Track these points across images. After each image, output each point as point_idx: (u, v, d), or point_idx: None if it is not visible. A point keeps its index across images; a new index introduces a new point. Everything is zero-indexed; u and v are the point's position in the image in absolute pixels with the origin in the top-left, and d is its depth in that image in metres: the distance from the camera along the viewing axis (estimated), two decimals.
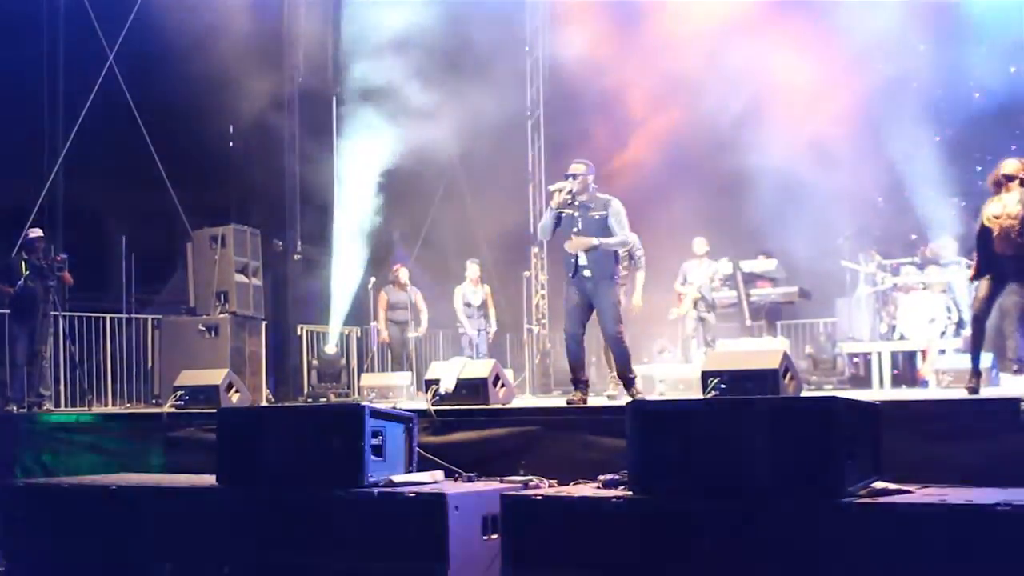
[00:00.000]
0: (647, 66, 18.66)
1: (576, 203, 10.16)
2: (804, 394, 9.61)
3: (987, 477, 6.59)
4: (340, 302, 18.82)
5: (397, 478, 7.58)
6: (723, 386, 8.75)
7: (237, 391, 11.79)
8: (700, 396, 9.03)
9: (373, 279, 17.08)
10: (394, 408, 8.82)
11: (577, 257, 10.08)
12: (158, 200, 17.89)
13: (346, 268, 19.26)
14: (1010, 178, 9.36)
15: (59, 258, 13.69)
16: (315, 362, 18.05)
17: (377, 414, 7.76)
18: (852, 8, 18.89)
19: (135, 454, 10.67)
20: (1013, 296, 10.67)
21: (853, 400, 6.16)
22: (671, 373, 13.56)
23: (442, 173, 21.04)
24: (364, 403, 9.66)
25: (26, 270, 13.49)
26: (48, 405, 13.73)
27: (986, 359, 10.49)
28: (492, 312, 16.56)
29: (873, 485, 6.10)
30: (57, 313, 14.14)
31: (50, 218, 16.23)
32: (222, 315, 15.28)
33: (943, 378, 12.02)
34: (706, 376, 8.99)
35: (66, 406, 14.91)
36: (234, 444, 8.08)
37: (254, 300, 15.92)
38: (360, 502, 7.25)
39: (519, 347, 20.49)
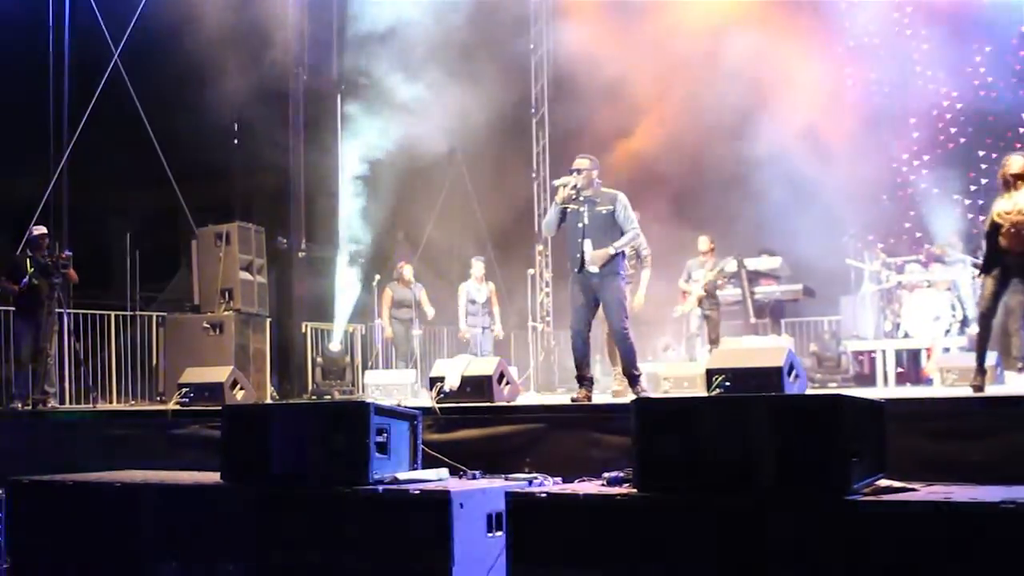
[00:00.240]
0: (651, 63, 18.65)
1: (581, 198, 10.15)
2: (808, 392, 9.62)
3: (992, 475, 6.58)
4: (344, 299, 18.83)
5: (402, 476, 7.58)
6: (727, 384, 8.77)
7: (242, 388, 11.81)
8: (704, 393, 9.04)
9: (378, 276, 17.08)
10: (399, 405, 8.83)
11: (583, 253, 10.05)
12: (163, 197, 17.91)
13: (350, 265, 19.28)
14: (1019, 177, 9.36)
15: (64, 255, 13.69)
16: (319, 359, 18.05)
17: (382, 411, 7.76)
18: (856, 5, 18.91)
19: (140, 451, 10.68)
20: (1019, 295, 10.68)
21: (857, 398, 6.15)
22: (675, 370, 13.55)
23: (447, 170, 21.04)
24: (369, 400, 9.70)
25: (31, 267, 13.49)
26: (53, 402, 13.73)
27: (990, 357, 10.48)
28: (497, 310, 16.52)
29: (878, 483, 6.10)
30: (62, 310, 14.14)
31: (55, 215, 16.23)
32: (227, 312, 15.30)
33: (947, 376, 12.00)
34: (710, 374, 9.00)
35: (71, 403, 14.93)
36: (238, 441, 8.08)
37: (259, 297, 15.94)
38: (365, 500, 7.24)
39: (523, 345, 20.49)
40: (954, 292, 15.35)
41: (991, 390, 9.46)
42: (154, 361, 16.41)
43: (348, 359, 18.41)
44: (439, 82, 18.84)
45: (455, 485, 7.37)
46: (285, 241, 19.03)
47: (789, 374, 8.78)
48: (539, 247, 21.76)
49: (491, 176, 21.28)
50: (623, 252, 10.26)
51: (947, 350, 14.60)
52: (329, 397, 16.43)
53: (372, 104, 19.38)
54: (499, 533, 7.02)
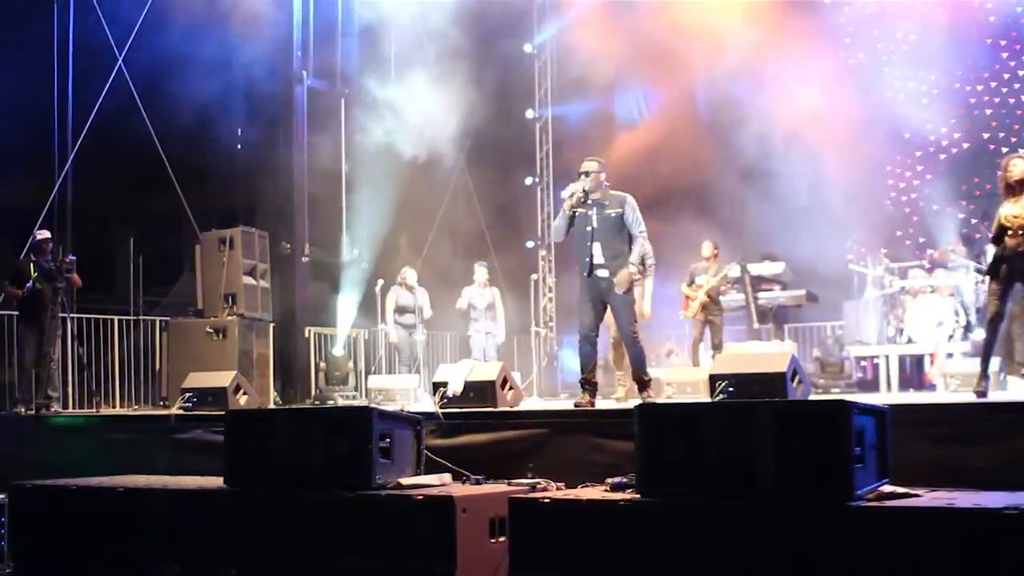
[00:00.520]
0: (653, 66, 18.69)
1: (589, 201, 10.11)
2: (812, 397, 9.61)
3: (995, 481, 6.58)
4: (347, 304, 18.84)
5: (405, 480, 7.57)
6: (731, 389, 8.75)
7: (245, 393, 11.81)
8: (708, 399, 9.03)
9: (381, 281, 17.09)
10: (402, 410, 8.83)
11: (592, 256, 10.01)
12: (167, 202, 17.91)
13: (354, 270, 19.30)
14: (1022, 183, 9.36)
15: (67, 260, 13.69)
16: (322, 364, 18.07)
17: (385, 416, 7.75)
18: (861, 8, 18.93)
19: (143, 456, 10.67)
20: (1022, 300, 10.68)
21: (861, 403, 6.15)
22: (679, 376, 13.55)
23: (450, 175, 21.06)
24: (372, 405, 9.70)
25: (35, 272, 13.49)
26: (56, 407, 13.73)
27: (993, 363, 10.48)
28: (501, 316, 16.47)
29: (881, 489, 6.10)
30: (65, 315, 14.15)
31: (59, 220, 16.25)
32: (230, 317, 15.32)
33: (951, 381, 12.00)
34: (714, 379, 8.98)
35: (74, 408, 14.94)
36: (242, 446, 8.08)
37: (262, 302, 15.96)
38: (368, 504, 7.24)
39: (526, 349, 20.49)
40: (957, 297, 15.35)
41: (994, 396, 9.45)
42: (157, 366, 16.41)
43: (351, 364, 18.43)
44: (443, 87, 18.86)
45: (458, 490, 7.37)
46: (288, 246, 19.03)
47: (792, 379, 8.77)
48: (542, 252, 21.79)
49: (494, 180, 21.31)
50: (632, 250, 10.18)
51: (950, 355, 14.60)
52: (332, 402, 16.44)
53: (376, 108, 19.41)
54: (502, 538, 7.02)
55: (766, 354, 11.17)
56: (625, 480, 6.80)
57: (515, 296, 19.85)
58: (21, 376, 13.71)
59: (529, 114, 22.27)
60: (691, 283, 15.62)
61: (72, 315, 14.83)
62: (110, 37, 17.19)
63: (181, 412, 11.40)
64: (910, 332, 15.50)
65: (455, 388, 10.17)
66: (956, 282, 15.52)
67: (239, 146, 19.18)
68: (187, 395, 11.69)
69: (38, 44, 16.51)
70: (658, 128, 19.39)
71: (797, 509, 5.89)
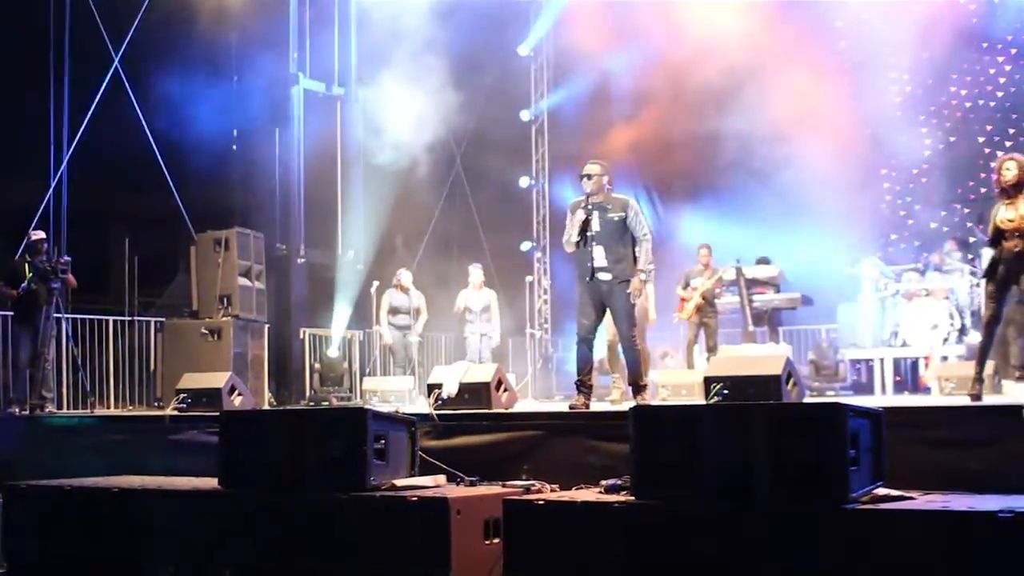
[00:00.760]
0: (652, 71, 18.71)
1: (590, 205, 10.10)
2: (807, 400, 9.61)
3: (990, 484, 6.59)
4: (343, 306, 18.84)
5: (399, 482, 7.58)
6: (726, 391, 8.75)
7: (239, 394, 11.79)
8: (703, 401, 9.03)
9: (376, 283, 17.08)
10: (396, 412, 8.83)
11: (593, 260, 9.99)
12: (162, 203, 17.90)
13: (349, 271, 19.29)
14: (1016, 186, 9.34)
15: (62, 260, 13.67)
16: (317, 365, 18.06)
17: (380, 418, 7.76)
18: (856, 12, 18.94)
19: (137, 457, 10.66)
20: (1018, 304, 10.67)
21: (856, 406, 6.15)
22: (674, 378, 13.55)
23: (446, 176, 21.06)
24: (366, 407, 9.69)
25: (29, 272, 13.47)
26: (51, 407, 13.71)
27: (987, 366, 10.47)
28: (496, 318, 16.45)
29: (876, 491, 6.10)
30: (60, 315, 14.14)
31: (54, 220, 16.22)
32: (225, 318, 15.29)
33: (945, 384, 12.00)
34: (709, 381, 8.99)
35: (69, 408, 14.93)
36: (236, 447, 8.08)
37: (257, 303, 15.93)
38: (362, 506, 7.24)
39: (521, 351, 20.49)
40: (952, 300, 15.36)
41: (988, 399, 9.45)
42: (152, 366, 16.38)
43: (346, 365, 18.41)
44: (439, 88, 18.87)
45: (453, 492, 7.37)
46: (284, 247, 19.03)
47: (787, 382, 8.77)
48: (537, 254, 21.78)
49: (490, 182, 21.31)
50: (634, 258, 10.17)
51: (945, 358, 14.62)
52: (327, 403, 16.42)
53: (372, 110, 19.42)
54: (496, 540, 7.02)
55: (761, 357, 11.16)
56: (620, 482, 6.80)
57: (510, 298, 19.85)
58: (16, 376, 13.69)
59: (525, 116, 22.26)
60: (686, 285, 15.64)
61: (67, 315, 14.82)
62: (106, 37, 17.18)
63: (176, 413, 11.38)
64: (905, 335, 15.51)
65: (450, 390, 10.17)
66: (951, 285, 15.54)
67: (235, 147, 19.15)
68: (182, 396, 11.66)
69: (33, 43, 16.49)
70: (652, 129, 19.38)
71: (792, 512, 5.89)
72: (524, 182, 22.33)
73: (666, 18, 18.55)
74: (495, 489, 7.63)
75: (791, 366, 9.00)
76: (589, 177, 10.10)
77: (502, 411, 10.02)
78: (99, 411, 14.35)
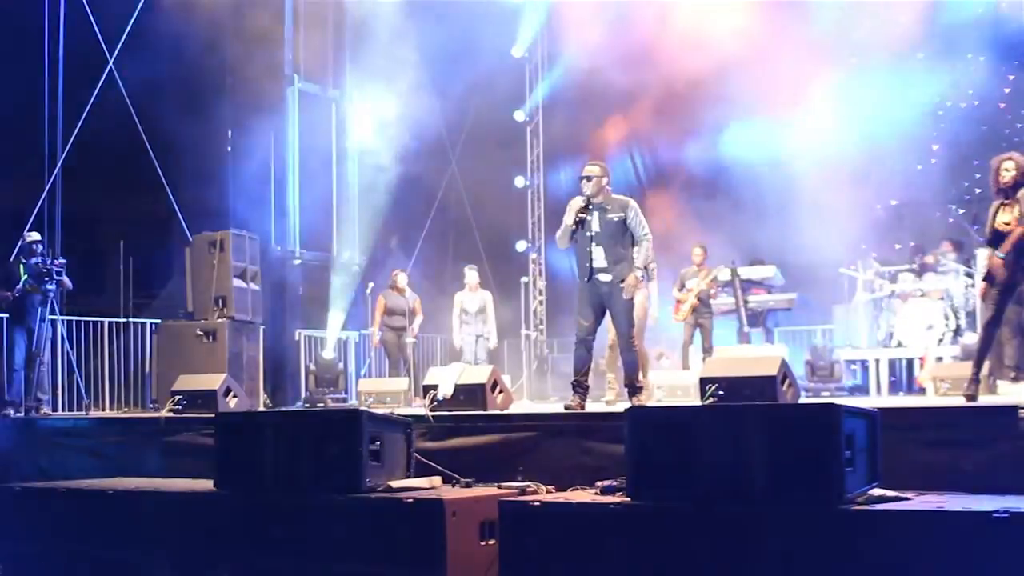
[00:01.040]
0: (647, 72, 18.69)
1: (591, 205, 10.09)
2: (802, 401, 9.62)
3: (985, 484, 6.59)
4: (338, 307, 18.84)
5: (395, 484, 7.58)
6: (721, 392, 8.75)
7: (235, 396, 11.78)
8: (698, 402, 9.03)
9: (371, 284, 17.06)
10: (392, 413, 8.82)
11: (593, 260, 9.98)
12: (157, 204, 17.87)
13: (344, 273, 19.29)
14: (1015, 188, 9.29)
15: (57, 262, 13.66)
16: (313, 367, 18.05)
17: (375, 419, 7.76)
18: (851, 16, 18.93)
19: (132, 458, 10.66)
20: (1015, 304, 10.65)
21: (851, 407, 6.16)
22: (669, 379, 13.55)
23: (441, 178, 21.06)
24: (362, 408, 9.69)
25: (24, 274, 13.47)
26: (46, 409, 13.70)
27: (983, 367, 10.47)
28: (492, 319, 16.43)
29: (871, 492, 6.11)
30: (55, 317, 14.12)
31: (48, 222, 16.20)
32: (220, 320, 15.25)
33: (940, 385, 12.01)
34: (704, 382, 8.98)
35: (64, 410, 14.91)
36: (232, 449, 8.08)
37: (252, 305, 15.90)
38: (358, 507, 7.24)
39: (516, 353, 20.49)
40: (947, 301, 15.37)
41: (983, 400, 9.45)
42: (147, 368, 16.36)
43: (341, 367, 18.42)
44: (434, 90, 18.87)
45: (448, 493, 7.38)
46: (279, 248, 19.02)
47: (783, 383, 8.77)
48: (533, 255, 21.78)
49: (485, 183, 21.31)
50: (633, 258, 10.18)
51: (940, 359, 14.62)
52: (322, 405, 16.41)
53: (367, 112, 19.41)
54: (492, 541, 7.02)
55: (756, 357, 11.16)
56: (615, 483, 6.81)
57: (506, 299, 19.86)
58: (11, 378, 13.67)
59: (519, 116, 22.26)
60: (681, 287, 15.65)
61: (62, 318, 14.79)
62: (100, 39, 17.16)
63: (171, 415, 11.36)
64: (900, 336, 15.53)
65: (445, 391, 10.18)
66: (946, 286, 15.56)
67: (229, 148, 19.14)
68: (177, 398, 11.65)
69: (28, 46, 16.46)
70: (647, 127, 19.39)
71: (787, 512, 5.90)
72: (520, 182, 22.34)
73: (657, 14, 18.50)
74: (490, 490, 7.63)
75: (786, 367, 9.00)
76: (589, 179, 10.08)
77: (497, 412, 10.02)
78: (94, 413, 14.32)
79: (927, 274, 15.98)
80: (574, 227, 10.06)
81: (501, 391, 10.40)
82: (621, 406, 9.37)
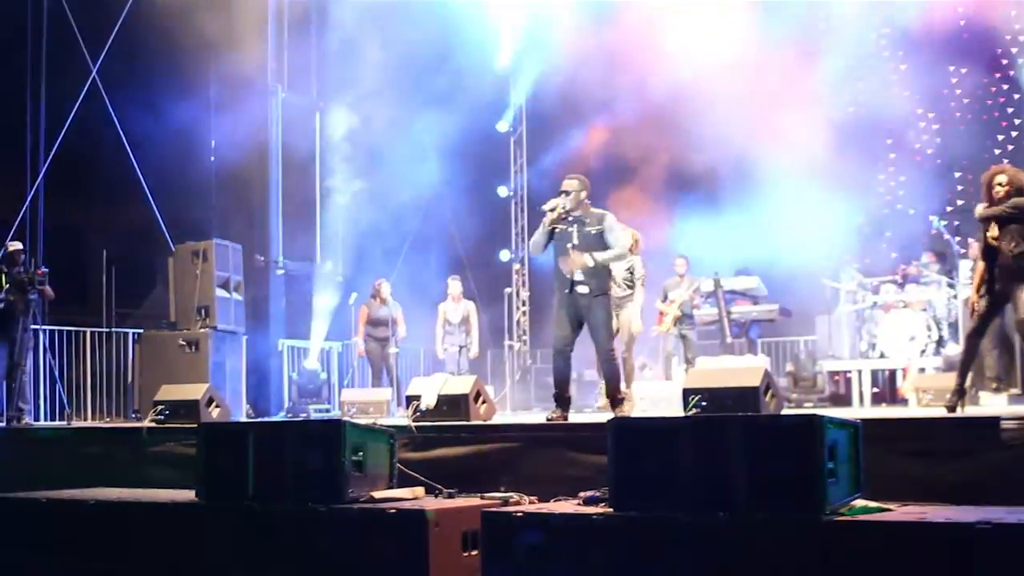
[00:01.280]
0: (629, 81, 18.72)
1: (570, 218, 10.12)
2: (784, 412, 9.63)
3: (967, 495, 6.61)
4: (321, 317, 18.81)
5: (377, 494, 7.56)
6: (704, 403, 8.76)
7: (217, 406, 11.76)
8: (681, 413, 9.03)
9: (355, 294, 17.05)
10: (375, 424, 8.81)
11: (573, 273, 10.03)
12: (139, 214, 17.85)
13: (327, 283, 19.27)
14: (1004, 200, 9.22)
15: (40, 271, 13.62)
16: (295, 377, 18.02)
17: (358, 430, 7.75)
18: (832, 27, 18.99)
19: (115, 469, 10.61)
20: (997, 317, 10.66)
21: (833, 418, 6.17)
22: (652, 390, 13.55)
23: (424, 188, 21.04)
24: (344, 419, 9.67)
25: (6, 283, 13.43)
26: (27, 419, 13.65)
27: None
28: (475, 331, 16.44)
29: (854, 503, 6.12)
30: (37, 327, 14.09)
31: (31, 231, 16.17)
32: (203, 330, 15.24)
33: (923, 396, 12.03)
34: (687, 393, 8.98)
35: (45, 420, 14.87)
36: (214, 459, 8.06)
37: (235, 315, 15.89)
38: (340, 518, 7.23)
39: (499, 363, 20.48)
40: (930, 312, 15.40)
41: (966, 410, 9.47)
42: (130, 378, 16.32)
43: (324, 377, 18.39)
44: (417, 100, 18.87)
45: (431, 504, 7.37)
46: (262, 258, 18.99)
47: (766, 394, 8.79)
48: (516, 265, 21.76)
49: (468, 193, 21.31)
50: (609, 272, 10.20)
51: (923, 370, 14.65)
52: (305, 415, 16.38)
53: (350, 121, 19.40)
54: (475, 552, 7.01)
55: (739, 368, 11.18)
56: (598, 494, 6.80)
57: (488, 309, 19.85)
58: None
59: (502, 127, 22.25)
60: (664, 298, 15.66)
61: (44, 327, 14.76)
62: (83, 48, 17.14)
63: (153, 425, 11.34)
64: (882, 347, 15.54)
65: (428, 401, 10.17)
66: (928, 297, 15.58)
67: (212, 158, 19.12)
68: (159, 408, 11.62)
69: (10, 55, 16.45)
70: (629, 137, 19.38)
71: (770, 523, 5.90)
72: (503, 192, 22.32)
73: (638, 22, 18.50)
74: (473, 501, 7.62)
75: (769, 378, 9.01)
76: (567, 193, 10.13)
77: (480, 423, 10.03)
78: (76, 423, 14.29)
79: (909, 285, 16.01)
80: (550, 228, 10.09)
81: (484, 401, 10.41)
82: (605, 416, 9.37)
